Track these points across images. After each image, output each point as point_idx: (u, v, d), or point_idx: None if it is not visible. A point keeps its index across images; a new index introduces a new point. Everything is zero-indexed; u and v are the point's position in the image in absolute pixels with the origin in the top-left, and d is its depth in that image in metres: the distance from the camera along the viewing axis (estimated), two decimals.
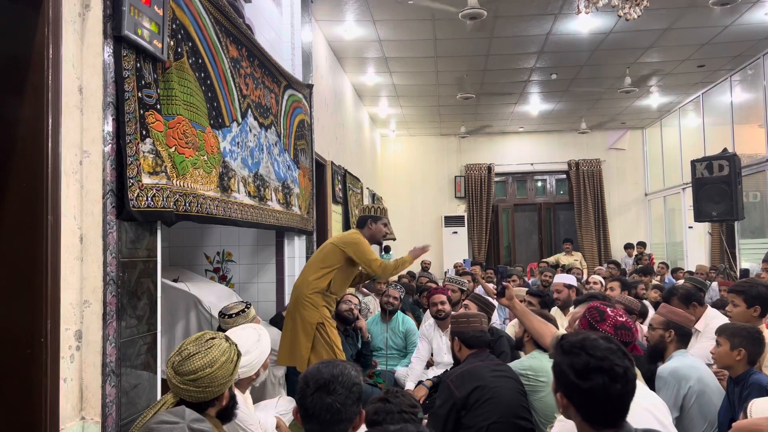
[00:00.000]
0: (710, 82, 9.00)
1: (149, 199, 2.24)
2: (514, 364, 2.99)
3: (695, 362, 2.80)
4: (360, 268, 3.93)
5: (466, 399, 2.64)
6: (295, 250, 4.96)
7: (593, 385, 1.34)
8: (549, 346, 2.70)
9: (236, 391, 2.13)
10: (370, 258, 3.74)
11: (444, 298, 4.51)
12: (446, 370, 3.57)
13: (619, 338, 2.04)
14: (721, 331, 2.67)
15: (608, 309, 2.16)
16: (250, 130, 3.51)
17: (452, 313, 3.11)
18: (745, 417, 1.97)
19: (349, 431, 1.61)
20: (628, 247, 10.52)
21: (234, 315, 3.06)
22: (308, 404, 1.57)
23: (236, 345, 1.92)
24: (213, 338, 1.86)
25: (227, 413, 1.89)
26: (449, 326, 4.57)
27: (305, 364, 3.54)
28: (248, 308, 3.12)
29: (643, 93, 9.43)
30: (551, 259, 10.03)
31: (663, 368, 2.75)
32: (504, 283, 2.87)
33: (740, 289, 3.14)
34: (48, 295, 1.88)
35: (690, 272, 7.62)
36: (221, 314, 3.13)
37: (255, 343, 2.42)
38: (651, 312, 4.48)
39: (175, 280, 4.02)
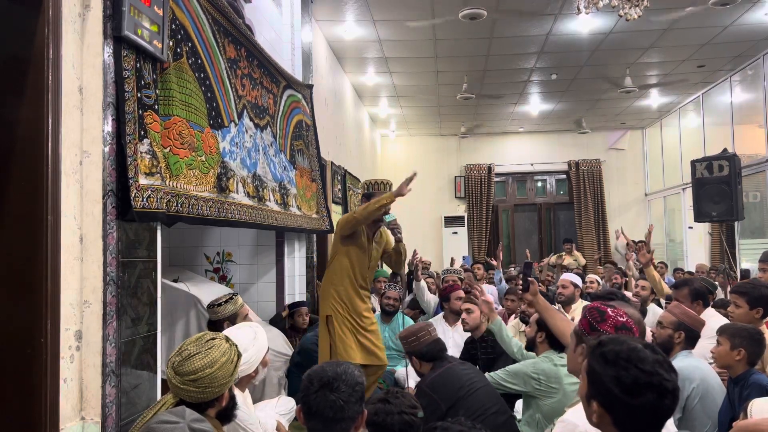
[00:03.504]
0: (710, 82, 9.00)
1: (144, 199, 2.24)
2: (525, 365, 2.95)
3: (699, 362, 2.79)
4: (376, 248, 3.82)
5: (453, 404, 2.65)
6: (295, 251, 4.96)
7: (642, 402, 1.24)
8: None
9: (236, 391, 2.14)
10: (347, 217, 3.65)
11: (462, 294, 4.50)
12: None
13: None
14: (722, 331, 2.66)
15: (609, 309, 2.15)
16: (246, 131, 3.51)
17: (400, 334, 3.11)
18: (746, 417, 1.97)
19: (351, 431, 1.62)
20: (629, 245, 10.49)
21: (223, 303, 3.13)
22: (311, 401, 1.59)
23: (236, 346, 1.92)
24: (213, 339, 1.86)
25: (227, 414, 1.89)
26: (458, 321, 4.57)
27: (324, 359, 3.52)
28: (235, 296, 3.17)
29: (643, 93, 9.43)
30: (551, 259, 10.03)
31: None
32: (530, 279, 2.87)
33: (743, 290, 3.13)
34: (48, 295, 1.88)
35: (690, 272, 7.62)
36: (210, 306, 3.20)
37: (252, 340, 2.42)
38: (653, 312, 4.48)
39: (175, 280, 4.02)
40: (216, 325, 3.18)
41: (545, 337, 2.93)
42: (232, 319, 3.18)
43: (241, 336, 2.38)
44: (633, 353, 1.29)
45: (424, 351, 2.90)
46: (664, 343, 2.88)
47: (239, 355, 1.90)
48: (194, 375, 1.75)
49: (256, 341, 2.42)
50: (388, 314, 4.88)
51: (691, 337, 2.86)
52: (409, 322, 4.91)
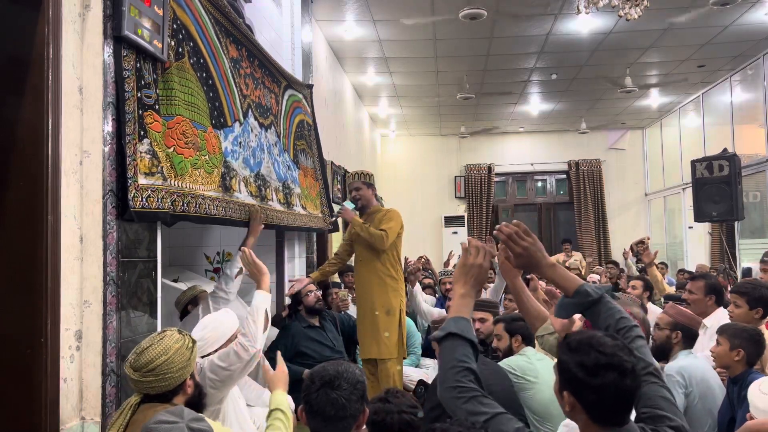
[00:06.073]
0: (710, 82, 9.00)
1: (144, 199, 2.24)
2: (502, 362, 2.99)
3: (701, 362, 2.80)
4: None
5: None
6: (296, 251, 4.96)
7: (604, 381, 1.33)
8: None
9: (233, 388, 2.14)
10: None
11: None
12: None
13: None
14: (722, 331, 2.67)
15: None
16: (252, 131, 3.52)
17: (435, 319, 3.10)
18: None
19: (353, 429, 1.62)
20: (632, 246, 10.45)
21: (183, 291, 3.44)
22: (313, 400, 1.60)
23: (190, 335, 1.93)
24: (164, 331, 1.90)
25: (195, 404, 1.89)
26: None
27: None
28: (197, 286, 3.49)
29: (643, 93, 9.43)
30: (551, 259, 10.01)
31: (669, 367, 2.76)
32: (529, 276, 2.89)
33: (743, 290, 3.12)
34: (48, 295, 1.88)
35: (691, 273, 7.61)
36: (176, 302, 3.44)
37: (211, 320, 2.47)
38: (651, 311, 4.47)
39: (175, 280, 4.02)
40: (184, 315, 3.41)
41: (522, 340, 3.05)
42: (194, 302, 3.38)
43: (206, 318, 2.49)
44: (593, 339, 1.39)
45: None
46: (663, 344, 2.89)
47: (194, 342, 1.92)
48: (151, 365, 1.78)
49: (214, 321, 2.46)
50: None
51: (688, 336, 2.87)
52: (409, 322, 4.81)
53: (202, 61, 2.88)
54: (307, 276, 3.96)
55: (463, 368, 1.47)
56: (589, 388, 1.35)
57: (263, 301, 2.56)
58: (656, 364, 1.49)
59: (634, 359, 1.37)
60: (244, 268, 3.20)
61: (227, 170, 3.05)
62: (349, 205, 4.02)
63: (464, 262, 1.65)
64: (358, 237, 3.99)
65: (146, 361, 1.79)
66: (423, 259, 6.61)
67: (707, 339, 3.19)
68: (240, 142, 3.29)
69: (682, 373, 2.67)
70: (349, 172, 4.21)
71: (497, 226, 1.69)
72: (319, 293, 4.30)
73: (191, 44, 2.77)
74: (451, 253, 8.16)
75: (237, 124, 3.26)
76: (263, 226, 3.28)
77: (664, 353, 2.89)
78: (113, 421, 1.80)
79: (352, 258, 4.25)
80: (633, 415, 1.43)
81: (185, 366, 1.84)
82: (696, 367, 2.74)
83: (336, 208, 3.93)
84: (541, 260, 1.67)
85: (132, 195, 2.18)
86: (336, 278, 6.08)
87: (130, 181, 2.18)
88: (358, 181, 4.12)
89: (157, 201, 2.31)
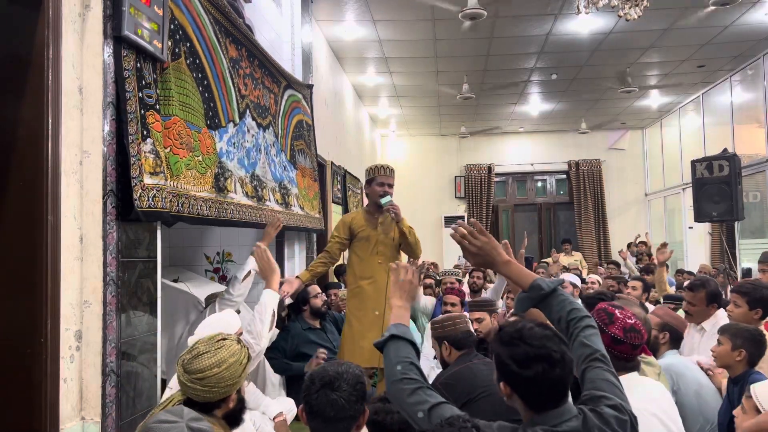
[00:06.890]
0: (710, 82, 9.00)
1: (150, 199, 2.24)
2: None
3: (689, 362, 2.85)
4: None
5: (463, 404, 2.60)
6: (296, 251, 4.96)
7: (535, 373, 1.40)
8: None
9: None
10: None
11: (455, 299, 4.43)
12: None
13: (628, 341, 2.01)
14: (723, 331, 2.67)
15: (617, 311, 2.11)
16: (248, 131, 3.51)
17: (435, 318, 3.09)
18: (749, 400, 2.00)
19: (353, 430, 1.62)
20: (629, 245, 10.44)
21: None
22: (313, 401, 1.60)
23: (247, 348, 1.91)
24: (224, 339, 1.86)
25: (235, 416, 1.88)
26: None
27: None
28: None
29: (643, 93, 9.43)
30: (550, 260, 10.01)
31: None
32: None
33: (744, 290, 3.13)
34: (48, 295, 1.88)
35: (690, 273, 7.61)
36: (207, 298, 3.44)
37: (217, 321, 2.45)
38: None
39: (175, 280, 4.02)
40: None
41: None
42: None
43: (209, 318, 2.48)
44: (522, 332, 1.46)
45: (459, 337, 2.88)
46: (651, 345, 2.90)
47: (249, 358, 1.90)
48: (201, 374, 1.75)
49: (219, 321, 2.44)
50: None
51: (675, 338, 2.94)
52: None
53: (198, 61, 2.88)
54: (296, 277, 3.83)
55: (408, 362, 1.59)
56: (522, 379, 1.42)
57: (271, 300, 2.55)
58: (604, 350, 1.55)
59: (563, 348, 1.44)
60: (252, 271, 3.19)
61: (222, 171, 3.04)
62: (387, 200, 3.74)
63: (396, 280, 1.83)
64: (385, 238, 3.75)
65: (198, 368, 1.76)
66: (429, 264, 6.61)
67: (706, 341, 3.20)
68: (234, 143, 3.28)
69: (669, 372, 2.68)
70: (376, 165, 4.00)
71: (453, 225, 1.80)
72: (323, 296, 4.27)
73: (188, 45, 2.77)
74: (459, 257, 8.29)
75: (231, 124, 3.25)
76: (277, 231, 3.28)
77: (651, 353, 2.92)
78: (152, 413, 1.80)
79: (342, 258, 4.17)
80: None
81: (235, 383, 1.81)
82: (685, 366, 2.77)
83: (384, 200, 3.76)
84: (495, 257, 1.75)
85: (138, 194, 2.17)
86: (335, 279, 6.08)
87: (135, 181, 2.17)
88: (391, 177, 3.86)
89: (162, 200, 2.32)
